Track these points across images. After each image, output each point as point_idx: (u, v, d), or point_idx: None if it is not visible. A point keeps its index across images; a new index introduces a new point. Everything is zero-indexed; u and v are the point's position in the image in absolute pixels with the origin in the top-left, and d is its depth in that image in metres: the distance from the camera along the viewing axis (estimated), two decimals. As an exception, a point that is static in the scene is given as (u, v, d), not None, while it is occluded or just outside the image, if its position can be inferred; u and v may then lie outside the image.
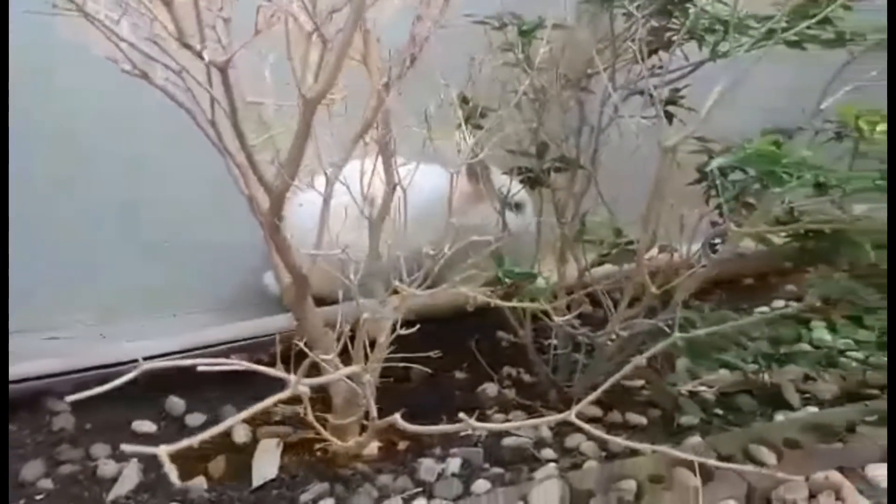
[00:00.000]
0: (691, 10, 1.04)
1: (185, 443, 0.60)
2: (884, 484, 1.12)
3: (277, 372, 0.76)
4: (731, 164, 0.94)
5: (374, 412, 0.97)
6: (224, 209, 1.22)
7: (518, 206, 1.47)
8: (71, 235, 1.52)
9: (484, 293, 1.05)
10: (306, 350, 0.92)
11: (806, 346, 1.40)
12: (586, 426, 0.68)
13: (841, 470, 1.14)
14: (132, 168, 1.50)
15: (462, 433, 1.29)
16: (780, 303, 1.87)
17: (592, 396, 0.75)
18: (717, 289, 1.91)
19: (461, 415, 0.76)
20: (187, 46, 0.76)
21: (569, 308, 1.30)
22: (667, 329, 1.01)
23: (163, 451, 0.56)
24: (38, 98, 1.38)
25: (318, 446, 1.25)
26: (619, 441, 0.66)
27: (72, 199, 1.48)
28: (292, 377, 0.76)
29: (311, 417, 1.00)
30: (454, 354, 1.54)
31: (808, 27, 1.06)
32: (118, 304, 1.62)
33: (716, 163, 0.95)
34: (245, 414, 0.70)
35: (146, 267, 1.60)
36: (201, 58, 0.76)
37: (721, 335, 1.07)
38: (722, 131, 1.19)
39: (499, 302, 1.00)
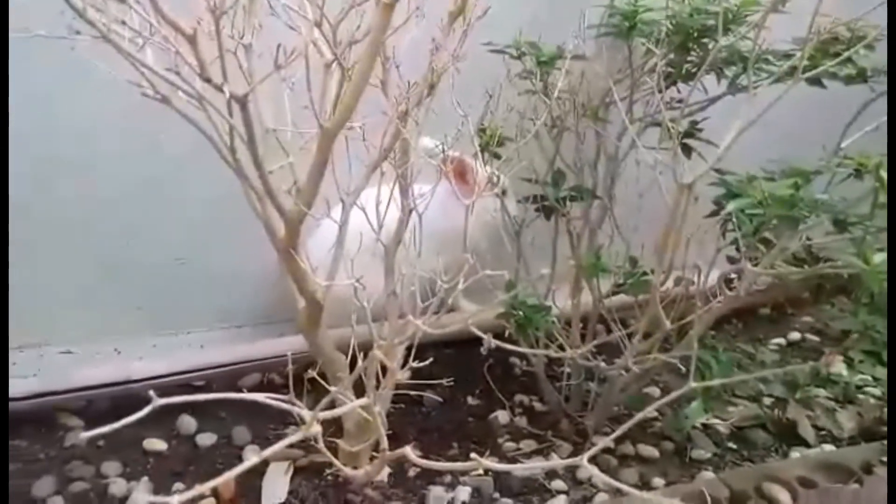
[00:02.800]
0: (710, 46, 1.04)
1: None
2: (901, 528, 1.10)
3: (292, 407, 0.76)
4: (748, 209, 0.93)
5: (384, 443, 0.97)
6: (239, 228, 1.23)
7: (504, 192, 1.45)
8: (86, 253, 1.53)
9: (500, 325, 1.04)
10: (319, 380, 0.93)
11: (822, 391, 1.38)
12: (598, 472, 0.68)
13: (857, 512, 1.13)
14: (145, 188, 1.51)
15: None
16: (795, 335, 1.85)
17: (605, 441, 0.75)
18: (732, 317, 1.90)
19: (472, 455, 0.75)
20: (208, 81, 0.77)
21: (583, 339, 1.29)
22: (680, 366, 1.00)
23: (175, 501, 0.57)
24: (47, 127, 1.40)
25: (328, 471, 1.25)
26: (634, 492, 0.65)
27: (87, 219, 1.50)
28: (306, 412, 0.76)
29: (322, 446, 1.00)
30: (467, 380, 1.54)
31: (832, 65, 1.05)
32: (133, 321, 1.63)
33: (732, 206, 0.94)
34: (265, 454, 0.71)
35: (161, 284, 1.61)
36: (222, 92, 0.77)
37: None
38: (739, 162, 1.19)
39: (511, 347, 1.00)
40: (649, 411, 0.80)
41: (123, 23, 0.76)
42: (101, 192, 1.48)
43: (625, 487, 0.62)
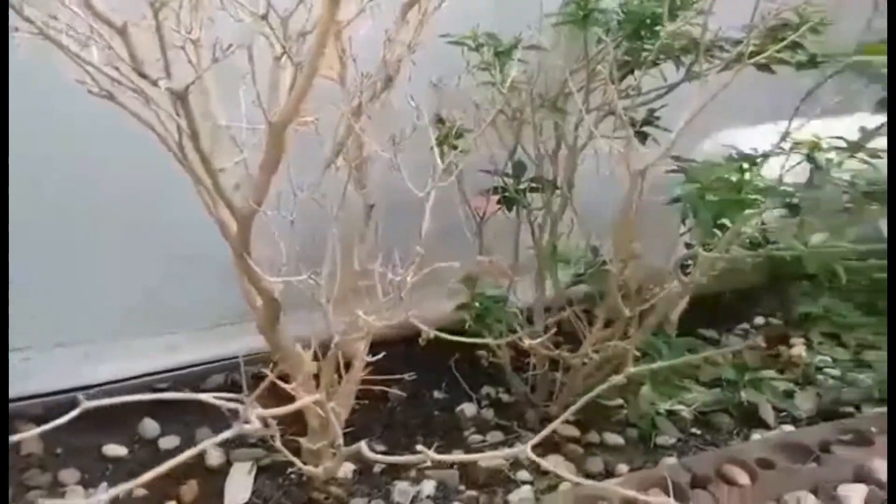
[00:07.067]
0: (661, 33, 1.04)
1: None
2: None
3: (222, 402, 0.75)
4: (693, 193, 0.93)
5: (340, 439, 0.96)
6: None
7: None
8: (56, 253, 1.48)
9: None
10: (275, 379, 0.91)
11: (771, 373, 1.40)
12: (542, 461, 0.68)
13: (814, 490, 1.14)
14: (132, 186, 1.47)
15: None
16: (760, 319, 1.87)
17: (545, 432, 0.75)
18: (698, 304, 1.91)
19: (419, 447, 0.75)
20: (143, 75, 0.75)
21: (545, 329, 1.30)
22: (636, 353, 1.01)
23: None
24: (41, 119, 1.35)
25: (291, 470, 1.24)
26: (576, 479, 0.65)
27: (64, 217, 1.45)
28: (251, 408, 0.75)
29: (279, 445, 0.99)
30: (434, 373, 1.54)
31: (778, 51, 1.06)
32: (108, 324, 1.59)
33: (678, 191, 0.95)
34: (184, 456, 0.69)
35: (139, 285, 1.57)
36: (156, 85, 0.75)
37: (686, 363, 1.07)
38: (711, 149, 1.20)
39: (456, 338, 0.99)
40: (591, 398, 0.79)
41: (55, 17, 0.74)
42: (87, 191, 1.43)
43: (568, 476, 0.62)
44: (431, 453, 0.73)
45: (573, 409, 0.77)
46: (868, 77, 0.88)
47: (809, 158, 0.83)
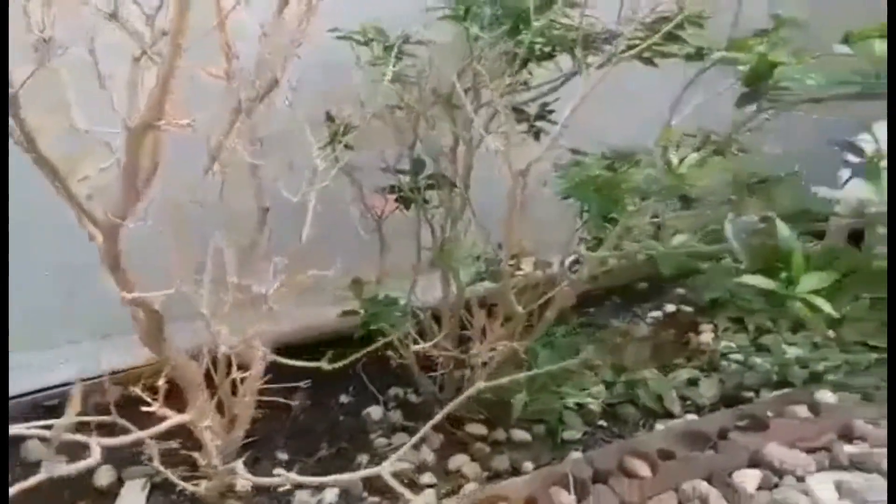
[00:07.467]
0: (536, 26, 1.03)
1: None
2: (749, 489, 1.14)
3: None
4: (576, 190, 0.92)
5: (214, 459, 0.92)
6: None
7: None
8: None
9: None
10: (143, 395, 0.87)
11: (648, 373, 1.41)
12: (395, 484, 0.66)
13: (709, 478, 1.16)
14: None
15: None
16: (671, 307, 1.90)
17: (408, 445, 0.73)
18: (611, 294, 1.93)
19: (277, 471, 0.72)
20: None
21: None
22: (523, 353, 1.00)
23: None
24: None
25: (180, 486, 1.19)
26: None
27: None
28: (92, 439, 0.70)
29: (157, 464, 0.94)
30: (340, 378, 1.49)
31: (660, 44, 1.06)
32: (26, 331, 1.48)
33: (557, 188, 0.94)
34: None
35: (33, 295, 1.47)
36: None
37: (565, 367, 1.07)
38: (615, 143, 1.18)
39: (292, 362, 0.96)
40: (460, 402, 0.78)
41: None
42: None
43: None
44: (293, 476, 0.70)
45: (440, 416, 0.75)
46: (733, 72, 0.89)
47: (665, 161, 0.83)
